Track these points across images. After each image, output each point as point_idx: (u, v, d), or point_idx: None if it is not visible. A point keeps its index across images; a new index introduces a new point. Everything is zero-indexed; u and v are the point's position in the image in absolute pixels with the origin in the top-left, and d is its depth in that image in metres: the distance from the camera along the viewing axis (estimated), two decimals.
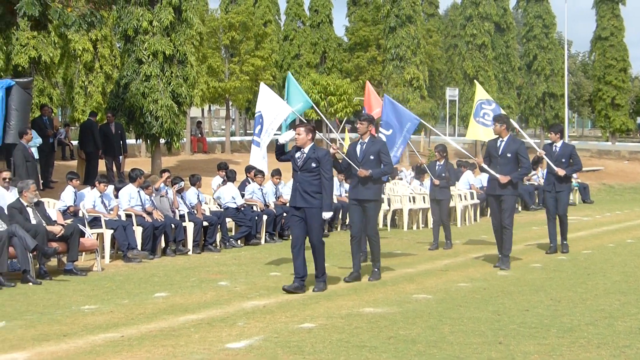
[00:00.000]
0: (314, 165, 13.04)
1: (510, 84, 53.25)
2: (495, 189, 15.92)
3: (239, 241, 19.81)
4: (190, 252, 18.18)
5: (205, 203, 20.23)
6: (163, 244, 17.99)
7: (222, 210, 19.86)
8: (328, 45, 61.20)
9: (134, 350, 9.18)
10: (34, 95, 29.14)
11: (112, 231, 16.88)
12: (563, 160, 17.78)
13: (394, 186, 25.38)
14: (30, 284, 13.93)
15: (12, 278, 14.20)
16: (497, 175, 15.72)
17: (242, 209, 20.21)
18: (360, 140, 14.70)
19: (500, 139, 16.03)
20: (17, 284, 13.90)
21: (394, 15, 46.43)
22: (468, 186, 27.17)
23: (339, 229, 23.08)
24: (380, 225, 23.57)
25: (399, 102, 46.70)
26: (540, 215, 25.54)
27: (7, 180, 16.57)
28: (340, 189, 23.56)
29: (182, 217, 18.65)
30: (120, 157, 27.83)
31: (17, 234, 14.09)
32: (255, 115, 15.81)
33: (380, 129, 17.59)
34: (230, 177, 21.04)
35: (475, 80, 22.05)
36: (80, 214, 17.16)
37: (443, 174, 19.54)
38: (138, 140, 32.72)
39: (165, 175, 19.11)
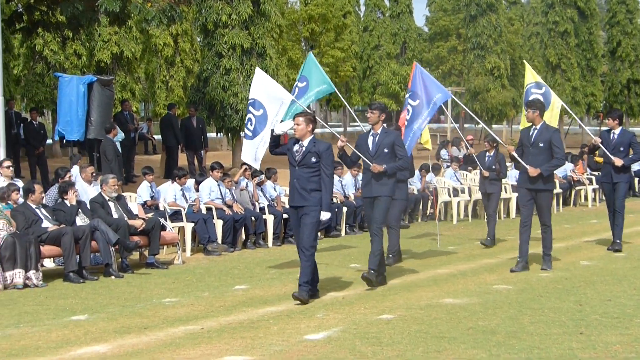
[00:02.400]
0: (313, 160, 11.73)
1: (594, 71, 52.48)
2: (526, 181, 14.18)
3: (319, 233, 19.80)
4: (270, 245, 18.22)
5: (285, 195, 20.25)
6: (243, 237, 18.06)
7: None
8: (408, 35, 60.84)
9: (213, 342, 9.24)
10: (117, 91, 29.48)
11: (192, 224, 16.99)
12: (621, 149, 16.38)
13: (474, 176, 25.11)
14: (113, 277, 14.11)
15: (95, 272, 14.41)
16: (527, 167, 14.02)
17: None
18: (372, 131, 13.35)
19: (534, 126, 14.21)
20: (99, 277, 14.11)
21: (474, 3, 46.17)
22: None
23: (419, 219, 22.99)
24: (462, 216, 23.37)
25: (480, 91, 46.87)
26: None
27: (93, 175, 16.80)
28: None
29: (262, 209, 18.69)
30: (202, 151, 28.04)
31: (100, 228, 14.26)
32: (248, 102, 14.84)
33: (408, 99, 16.21)
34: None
35: (524, 61, 20.81)
36: (161, 208, 17.32)
37: (493, 166, 18.37)
38: (219, 134, 32.91)
39: (244, 168, 19.19)
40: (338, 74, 50.37)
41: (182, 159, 27.66)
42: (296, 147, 11.85)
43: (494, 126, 47.19)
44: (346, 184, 21.35)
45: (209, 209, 17.69)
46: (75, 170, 17.85)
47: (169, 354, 8.78)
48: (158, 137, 33.64)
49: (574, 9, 50.71)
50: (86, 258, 14.03)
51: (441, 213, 23.20)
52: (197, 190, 18.42)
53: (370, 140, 13.28)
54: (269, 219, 18.41)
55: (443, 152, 30.07)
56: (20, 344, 9.32)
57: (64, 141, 22.00)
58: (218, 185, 18.18)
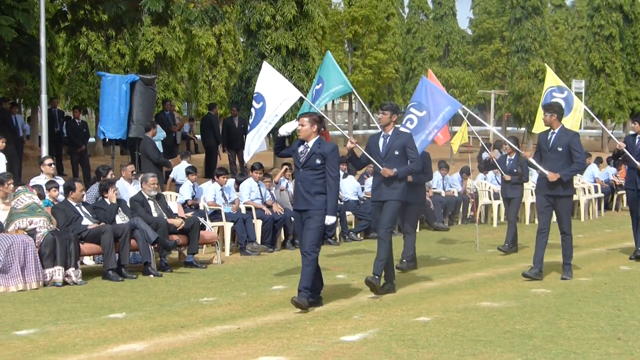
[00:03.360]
0: (318, 161, 11.24)
1: (638, 75, 52.00)
2: (544, 188, 13.65)
3: (358, 235, 19.78)
4: None
5: None
6: (282, 237, 18.07)
7: (342, 203, 19.83)
8: (451, 37, 60.85)
9: (249, 342, 9.25)
10: (159, 90, 29.67)
11: (232, 224, 17.03)
12: None
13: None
14: (151, 276, 14.17)
15: (134, 270, 14.49)
16: (546, 172, 13.42)
17: (362, 202, 20.18)
18: (383, 132, 12.75)
19: (552, 131, 13.63)
20: (138, 275, 14.18)
21: (519, 6, 45.90)
22: (593, 179, 26.65)
23: (459, 222, 22.93)
24: (502, 219, 23.26)
25: (523, 94, 46.64)
26: None
27: (133, 173, 16.91)
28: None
29: None
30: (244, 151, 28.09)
31: (139, 227, 14.34)
32: (254, 96, 14.05)
33: (410, 109, 15.33)
34: (351, 170, 21.00)
35: (545, 64, 20.32)
36: (201, 207, 17.38)
37: (515, 170, 17.61)
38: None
39: (284, 168, 19.20)
40: (381, 76, 50.38)
41: (225, 159, 27.75)
42: (301, 149, 11.43)
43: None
44: None
45: (248, 209, 17.73)
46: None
47: (206, 353, 8.81)
48: (199, 136, 33.80)
49: (619, 13, 50.29)
50: (125, 256, 14.12)
51: (481, 216, 23.09)
52: (237, 190, 18.47)
53: (381, 142, 12.73)
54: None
55: (485, 155, 29.85)
56: (58, 341, 9.38)
57: (106, 140, 22.15)
58: (258, 185, 18.21)
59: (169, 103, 27.51)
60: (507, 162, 17.90)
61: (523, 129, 51.45)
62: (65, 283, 13.17)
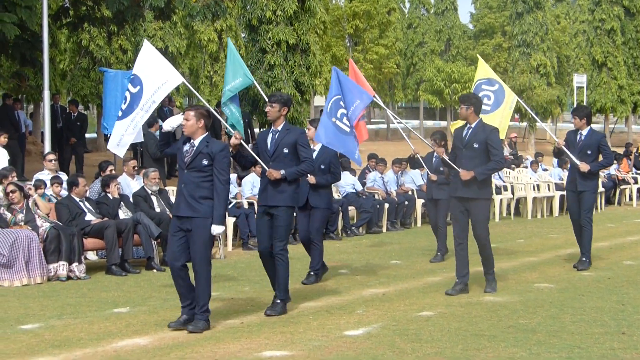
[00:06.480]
0: (205, 162, 9.77)
1: None
2: (457, 189, 12.03)
3: (360, 229, 19.81)
4: None
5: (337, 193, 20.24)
6: None
7: (343, 198, 19.83)
8: (453, 32, 60.83)
9: (252, 337, 9.28)
10: None
11: (234, 219, 17.05)
12: None
13: (517, 174, 25.02)
14: (155, 270, 14.21)
15: (137, 265, 14.53)
16: (459, 170, 11.91)
17: (364, 196, 20.18)
18: (272, 128, 11.16)
19: (468, 125, 12.05)
20: (141, 270, 14.23)
21: (521, 1, 45.89)
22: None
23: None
24: (504, 214, 23.30)
25: (525, 89, 46.63)
26: None
27: (135, 168, 16.92)
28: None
29: None
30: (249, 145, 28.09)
31: (142, 222, 14.37)
32: (131, 78, 12.15)
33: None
34: (345, 166, 20.70)
35: (478, 56, 18.70)
36: None
37: (441, 168, 14.86)
38: (262, 129, 33.01)
39: None
40: (382, 71, 50.41)
41: None
42: (186, 147, 9.97)
43: (537, 124, 46.84)
44: (388, 180, 21.34)
45: (250, 204, 17.73)
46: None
47: (209, 347, 8.83)
48: None
49: (621, 7, 50.10)
50: (128, 251, 14.15)
51: None
52: (239, 185, 18.49)
53: (269, 138, 11.14)
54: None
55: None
56: (63, 335, 9.42)
57: (109, 135, 22.16)
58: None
59: (167, 99, 27.51)
60: (434, 159, 15.78)
61: (524, 123, 51.44)
62: (69, 278, 13.23)
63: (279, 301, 10.70)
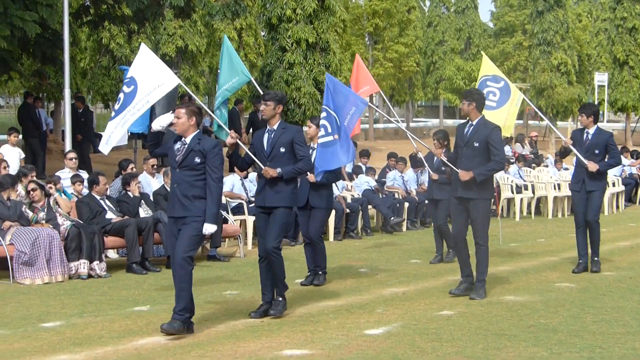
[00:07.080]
0: (197, 160, 9.68)
1: None
2: (457, 189, 11.76)
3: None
4: (331, 239, 18.21)
5: (347, 190, 20.25)
6: None
7: (361, 197, 19.79)
8: (473, 30, 60.75)
9: (273, 336, 9.30)
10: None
11: (254, 217, 17.03)
12: None
13: (538, 173, 24.92)
14: None
15: (157, 263, 14.58)
16: (458, 171, 11.65)
17: (384, 195, 20.15)
18: (268, 127, 10.90)
19: (470, 122, 11.71)
20: (162, 269, 14.25)
21: None
22: (620, 172, 26.41)
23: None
24: (524, 213, 23.23)
25: (545, 87, 46.52)
26: None
27: (154, 167, 16.96)
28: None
29: None
30: None
31: (162, 220, 14.38)
32: (125, 81, 11.82)
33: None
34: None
35: (482, 52, 18.30)
36: (223, 200, 17.40)
37: (443, 167, 14.41)
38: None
39: None
40: (401, 69, 50.34)
41: None
42: (177, 145, 9.93)
43: (558, 123, 46.76)
44: (408, 179, 21.30)
45: None
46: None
47: (230, 345, 8.85)
48: None
49: None
50: (149, 250, 14.20)
51: (503, 210, 23.04)
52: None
53: (265, 137, 10.87)
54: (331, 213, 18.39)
55: (507, 148, 29.81)
56: (84, 333, 9.46)
57: (129, 133, 22.20)
58: None
59: (185, 97, 27.56)
60: (435, 158, 15.08)
61: (545, 122, 51.25)
62: (90, 276, 13.27)
63: (280, 299, 10.60)
